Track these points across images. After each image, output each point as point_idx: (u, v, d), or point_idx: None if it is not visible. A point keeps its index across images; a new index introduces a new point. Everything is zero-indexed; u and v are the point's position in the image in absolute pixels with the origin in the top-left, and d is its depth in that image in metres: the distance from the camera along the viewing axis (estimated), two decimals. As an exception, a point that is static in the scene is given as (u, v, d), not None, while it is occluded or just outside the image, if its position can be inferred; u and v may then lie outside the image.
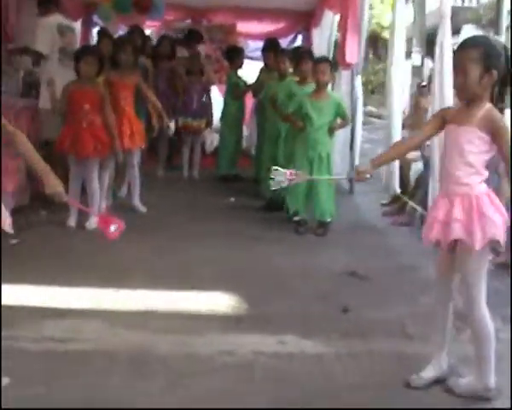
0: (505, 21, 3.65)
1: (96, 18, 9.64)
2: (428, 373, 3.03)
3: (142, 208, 6.40)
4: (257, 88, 8.03)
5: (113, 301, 3.96)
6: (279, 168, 3.13)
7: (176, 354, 3.28)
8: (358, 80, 7.87)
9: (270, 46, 7.71)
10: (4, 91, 5.91)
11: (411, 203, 6.45)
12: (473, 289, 2.85)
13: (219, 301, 4.04)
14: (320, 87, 5.87)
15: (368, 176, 3.04)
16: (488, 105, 2.79)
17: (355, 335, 3.60)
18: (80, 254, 4.88)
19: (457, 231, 2.78)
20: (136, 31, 8.07)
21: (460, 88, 2.85)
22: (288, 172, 3.11)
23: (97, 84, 5.79)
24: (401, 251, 5.40)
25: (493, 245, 2.85)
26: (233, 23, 10.88)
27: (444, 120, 2.95)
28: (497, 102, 2.83)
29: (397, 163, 7.22)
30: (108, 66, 6.13)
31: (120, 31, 9.55)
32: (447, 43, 5.15)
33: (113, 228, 3.09)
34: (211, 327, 3.64)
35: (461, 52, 2.82)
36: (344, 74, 8.10)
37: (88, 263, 4.63)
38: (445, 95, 4.88)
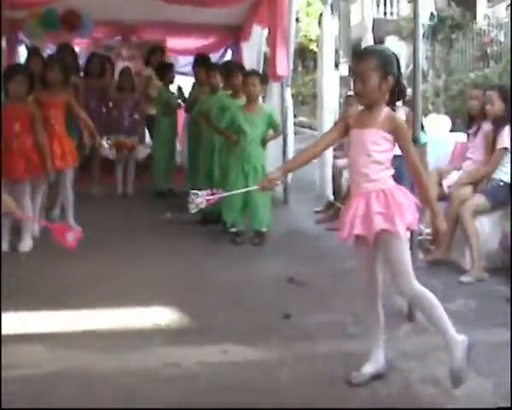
0: (421, 31, 3.89)
1: (21, 35, 9.49)
2: (368, 369, 3.14)
3: (77, 228, 6.32)
4: (189, 104, 8.07)
5: (54, 324, 3.90)
6: (197, 191, 3.16)
7: (121, 371, 3.26)
8: (288, 92, 8.00)
9: (201, 62, 7.76)
10: None
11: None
12: (404, 271, 3.03)
13: (161, 316, 4.04)
14: (251, 100, 5.97)
15: (278, 183, 3.21)
16: (386, 108, 3.06)
17: (297, 339, 3.68)
18: (15, 277, 4.78)
19: (380, 222, 2.96)
20: (66, 49, 8.00)
21: (361, 94, 3.07)
22: (205, 192, 3.16)
23: (27, 103, 5.70)
24: (336, 255, 5.50)
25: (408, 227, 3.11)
26: (162, 39, 10.89)
27: (347, 125, 3.16)
28: (391, 103, 3.11)
29: (329, 172, 7.39)
30: (38, 85, 6.06)
31: (48, 49, 9.45)
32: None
33: (69, 237, 3.06)
34: (155, 342, 3.64)
35: (360, 62, 3.06)
36: (274, 86, 8.23)
37: (24, 286, 4.55)
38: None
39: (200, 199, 3.12)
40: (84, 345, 3.58)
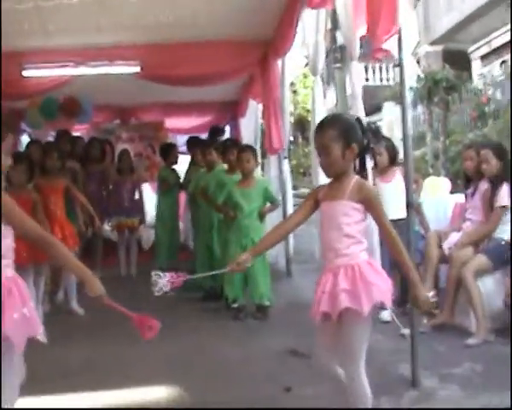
0: (408, 96, 3.96)
1: (23, 125, 9.69)
2: None
3: (80, 311, 6.32)
4: (186, 181, 8.17)
5: (55, 406, 3.86)
6: (159, 273, 3.06)
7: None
8: (286, 164, 8.08)
9: (195, 143, 7.93)
10: None
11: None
12: (356, 358, 2.89)
13: (163, 395, 3.99)
14: (246, 175, 6.04)
15: (248, 264, 3.06)
16: (355, 177, 2.95)
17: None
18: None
19: (345, 301, 2.82)
20: (63, 135, 8.17)
21: (326, 166, 2.97)
22: (168, 275, 3.06)
23: (28, 190, 5.77)
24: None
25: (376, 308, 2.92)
26: (161, 119, 11.11)
27: (316, 199, 3.05)
28: (361, 170, 3.01)
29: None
30: (37, 171, 6.15)
31: (50, 136, 9.64)
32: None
33: (148, 327, 3.04)
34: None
35: (321, 133, 2.95)
36: (272, 159, 8.33)
37: (27, 370, 4.49)
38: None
39: (164, 281, 3.04)
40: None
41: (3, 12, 5.61)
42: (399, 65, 4.09)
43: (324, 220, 3.01)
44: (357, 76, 4.87)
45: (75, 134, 9.58)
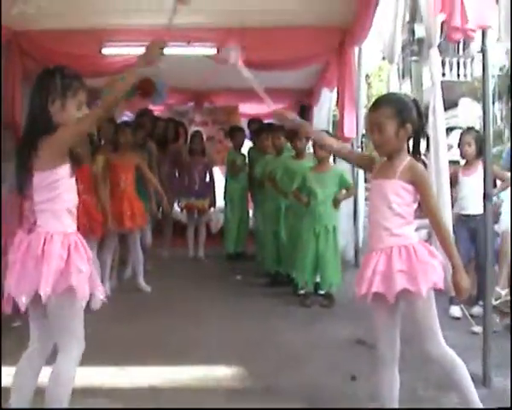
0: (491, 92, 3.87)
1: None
2: None
3: (147, 288, 6.41)
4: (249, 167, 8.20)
5: (119, 379, 3.93)
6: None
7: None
8: (358, 153, 7.94)
9: (261, 128, 7.86)
10: None
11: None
12: (432, 334, 2.88)
13: (226, 375, 4.01)
14: (321, 161, 5.93)
15: (290, 118, 3.42)
16: (408, 157, 2.92)
17: (364, 401, 3.54)
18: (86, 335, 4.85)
19: (402, 281, 2.80)
20: (145, 114, 8.22)
21: (378, 144, 2.95)
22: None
23: (90, 165, 5.75)
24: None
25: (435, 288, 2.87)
26: (235, 104, 11.11)
27: (371, 166, 3.08)
28: (415, 152, 2.97)
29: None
30: (109, 148, 6.25)
31: (125, 116, 9.78)
32: (440, 117, 5.15)
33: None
34: (217, 400, 3.61)
35: (375, 111, 2.94)
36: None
37: (94, 342, 4.59)
38: (440, 159, 4.88)
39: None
40: (146, 401, 3.58)
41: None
42: (482, 51, 3.96)
43: (374, 198, 2.98)
44: (436, 63, 4.72)
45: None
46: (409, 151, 2.97)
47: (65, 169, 2.82)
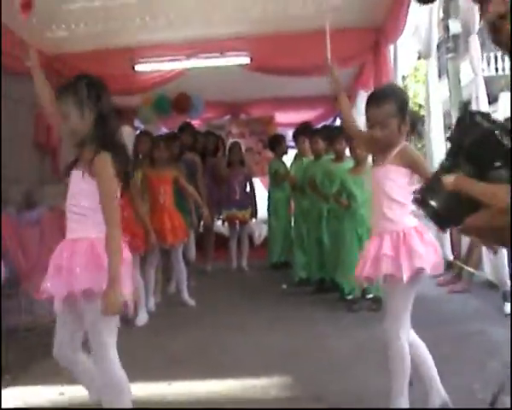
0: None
1: (137, 122, 9.93)
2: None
3: (191, 302, 6.36)
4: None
5: (165, 393, 3.87)
6: None
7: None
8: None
9: (302, 130, 7.68)
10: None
11: (467, 268, 6.25)
12: (396, 318, 2.96)
13: (275, 385, 3.91)
14: (359, 162, 5.83)
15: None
16: (402, 143, 3.02)
17: (418, 404, 3.41)
18: (129, 350, 4.83)
19: (387, 266, 2.91)
20: (186, 128, 8.20)
21: (381, 140, 3.01)
22: None
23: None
24: (458, 318, 5.20)
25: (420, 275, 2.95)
26: (271, 114, 11.08)
27: (370, 145, 3.21)
28: (417, 140, 3.16)
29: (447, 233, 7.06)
30: (146, 162, 6.24)
31: (161, 132, 9.84)
32: (483, 107, 5.03)
33: None
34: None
35: (378, 108, 2.99)
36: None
37: (139, 357, 4.57)
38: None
39: None
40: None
41: (115, 9, 5.75)
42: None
43: (374, 185, 3.11)
44: (476, 52, 4.60)
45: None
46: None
47: None
